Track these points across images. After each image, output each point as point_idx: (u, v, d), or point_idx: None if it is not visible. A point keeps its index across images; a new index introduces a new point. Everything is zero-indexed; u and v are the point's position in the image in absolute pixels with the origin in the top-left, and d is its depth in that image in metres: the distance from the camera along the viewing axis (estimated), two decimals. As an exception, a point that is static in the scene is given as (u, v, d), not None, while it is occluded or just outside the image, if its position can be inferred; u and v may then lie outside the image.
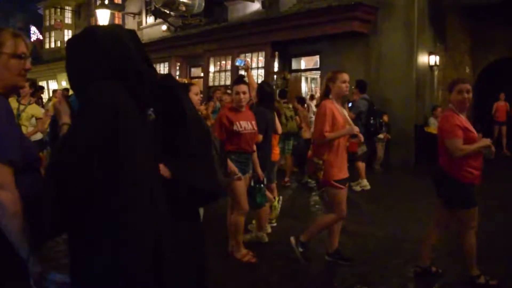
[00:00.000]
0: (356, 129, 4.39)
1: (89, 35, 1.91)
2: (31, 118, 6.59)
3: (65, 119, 1.98)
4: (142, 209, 1.72)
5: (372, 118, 8.29)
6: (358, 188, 8.47)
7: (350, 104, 9.51)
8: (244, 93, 4.67)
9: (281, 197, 6.36)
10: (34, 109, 6.70)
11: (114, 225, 1.67)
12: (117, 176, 1.68)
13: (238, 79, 5.03)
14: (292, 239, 4.69)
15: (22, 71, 2.01)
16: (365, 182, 8.56)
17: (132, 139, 1.73)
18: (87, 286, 1.73)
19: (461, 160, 3.89)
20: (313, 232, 4.61)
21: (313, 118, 7.91)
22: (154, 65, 2.43)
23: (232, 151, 4.62)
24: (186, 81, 9.53)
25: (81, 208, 1.68)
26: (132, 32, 2.04)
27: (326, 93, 4.52)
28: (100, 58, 1.82)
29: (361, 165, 8.51)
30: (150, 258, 1.71)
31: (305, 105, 10.49)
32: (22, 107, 6.48)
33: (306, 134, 9.10)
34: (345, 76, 4.53)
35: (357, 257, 4.74)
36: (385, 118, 10.23)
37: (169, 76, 2.13)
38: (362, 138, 4.56)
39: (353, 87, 8.75)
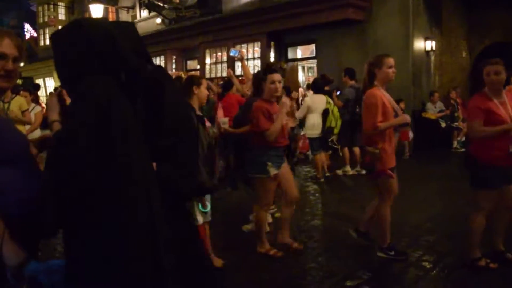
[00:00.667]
0: (407, 118, 4.29)
1: (75, 27, 1.87)
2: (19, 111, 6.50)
3: (54, 116, 1.95)
4: (138, 207, 1.70)
5: (358, 106, 8.31)
6: (340, 172, 8.81)
7: (338, 92, 9.58)
8: (279, 82, 4.39)
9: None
10: (18, 102, 6.57)
11: (112, 222, 1.66)
12: (113, 173, 1.66)
13: (270, 68, 4.59)
14: (351, 231, 4.74)
15: (1, 71, 1.93)
16: (348, 168, 8.82)
17: (126, 136, 1.70)
18: (83, 283, 1.71)
19: (482, 141, 3.90)
20: (379, 227, 4.43)
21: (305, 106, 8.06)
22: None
23: (267, 146, 4.36)
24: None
25: (78, 205, 1.66)
26: (127, 26, 1.99)
27: (370, 80, 4.28)
28: (85, 50, 1.78)
29: (346, 152, 8.75)
30: (148, 255, 1.70)
31: (295, 94, 10.55)
32: (6, 105, 6.41)
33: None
34: (391, 61, 4.25)
35: (358, 243, 4.77)
36: None
37: (159, 68, 2.07)
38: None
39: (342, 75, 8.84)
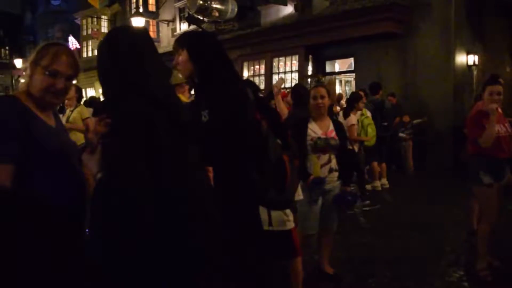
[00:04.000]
0: None
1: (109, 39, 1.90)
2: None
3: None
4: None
5: (384, 120, 8.21)
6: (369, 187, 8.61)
7: None
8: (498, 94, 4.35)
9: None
10: (80, 110, 6.80)
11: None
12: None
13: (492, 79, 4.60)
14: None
15: (52, 88, 1.98)
16: (377, 183, 8.64)
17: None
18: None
19: None
20: None
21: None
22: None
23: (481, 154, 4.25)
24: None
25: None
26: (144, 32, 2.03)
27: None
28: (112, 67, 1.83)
29: (376, 165, 8.57)
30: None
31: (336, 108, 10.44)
32: (69, 113, 6.65)
33: None
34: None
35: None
36: (406, 118, 10.16)
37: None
38: None
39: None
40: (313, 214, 4.06)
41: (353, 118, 7.31)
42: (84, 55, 27.95)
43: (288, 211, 3.47)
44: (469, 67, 11.45)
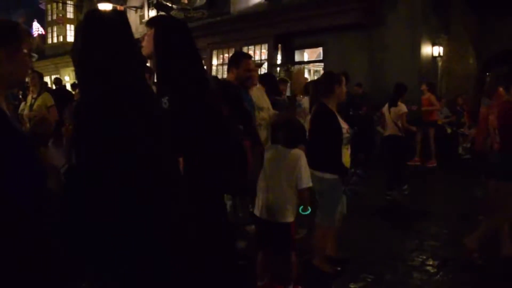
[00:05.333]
0: None
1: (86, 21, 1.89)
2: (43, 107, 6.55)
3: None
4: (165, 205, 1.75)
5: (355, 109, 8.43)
6: None
7: None
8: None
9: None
10: (44, 98, 6.64)
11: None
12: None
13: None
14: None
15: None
16: None
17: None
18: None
19: None
20: None
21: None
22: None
23: None
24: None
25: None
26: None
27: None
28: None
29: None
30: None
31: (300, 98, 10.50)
32: (31, 100, 6.51)
33: None
34: None
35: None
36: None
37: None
38: None
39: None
40: (341, 206, 4.15)
41: (403, 107, 7.36)
42: (49, 41, 27.28)
43: (293, 206, 3.49)
44: (434, 58, 11.70)
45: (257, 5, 13.86)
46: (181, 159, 2.23)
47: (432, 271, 4.29)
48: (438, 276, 4.18)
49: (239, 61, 4.22)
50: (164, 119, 1.91)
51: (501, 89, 4.50)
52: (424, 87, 9.92)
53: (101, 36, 1.80)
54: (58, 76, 23.82)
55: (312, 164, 3.67)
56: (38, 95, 6.56)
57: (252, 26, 13.61)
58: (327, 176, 3.92)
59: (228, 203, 4.32)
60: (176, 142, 1.93)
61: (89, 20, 1.87)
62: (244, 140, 2.89)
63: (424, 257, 4.61)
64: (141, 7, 19.66)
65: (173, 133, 1.90)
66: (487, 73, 12.31)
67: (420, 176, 8.73)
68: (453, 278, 4.15)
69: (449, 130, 10.96)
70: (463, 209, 6.24)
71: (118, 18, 1.92)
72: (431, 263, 4.46)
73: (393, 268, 4.34)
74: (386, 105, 7.45)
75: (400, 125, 7.12)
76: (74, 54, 1.85)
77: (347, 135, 4.03)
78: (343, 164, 3.95)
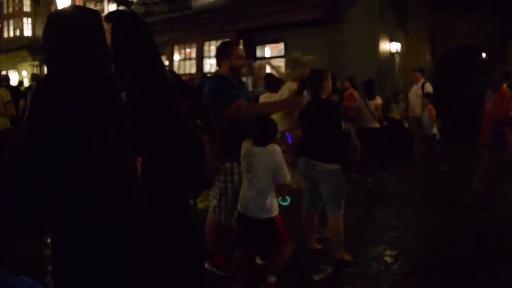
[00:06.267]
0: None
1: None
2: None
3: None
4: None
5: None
6: None
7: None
8: None
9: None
10: (2, 94, 6.48)
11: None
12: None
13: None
14: None
15: None
16: None
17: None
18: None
19: None
20: None
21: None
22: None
23: None
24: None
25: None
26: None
27: None
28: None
29: None
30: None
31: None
32: None
33: None
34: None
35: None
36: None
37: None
38: None
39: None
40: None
41: (379, 99, 8.54)
42: (6, 35, 26.42)
43: (275, 200, 3.51)
44: (391, 54, 11.97)
45: (218, 0, 13.83)
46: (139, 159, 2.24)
47: (390, 261, 4.41)
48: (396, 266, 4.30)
49: (229, 50, 4.01)
50: (124, 114, 1.92)
51: (504, 85, 4.89)
52: (347, 83, 10.17)
53: (69, 29, 1.81)
54: (16, 76, 23.22)
55: (319, 157, 4.07)
56: None
57: (213, 21, 13.56)
58: (335, 167, 4.10)
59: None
60: (134, 138, 1.94)
61: (57, 16, 1.87)
62: (202, 135, 2.91)
63: (383, 247, 4.74)
64: (101, 1, 19.32)
65: (130, 130, 1.91)
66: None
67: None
68: (410, 269, 4.25)
69: (406, 125, 11.21)
70: (418, 199, 6.45)
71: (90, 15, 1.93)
72: (389, 253, 4.59)
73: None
74: (359, 99, 8.13)
75: (377, 116, 7.85)
76: (44, 44, 1.85)
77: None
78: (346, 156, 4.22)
